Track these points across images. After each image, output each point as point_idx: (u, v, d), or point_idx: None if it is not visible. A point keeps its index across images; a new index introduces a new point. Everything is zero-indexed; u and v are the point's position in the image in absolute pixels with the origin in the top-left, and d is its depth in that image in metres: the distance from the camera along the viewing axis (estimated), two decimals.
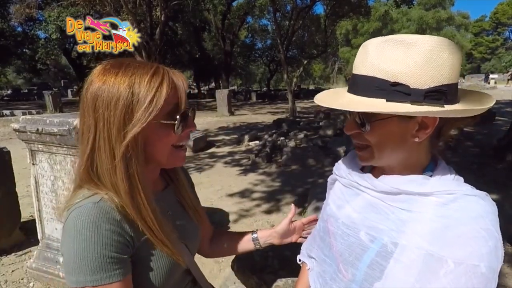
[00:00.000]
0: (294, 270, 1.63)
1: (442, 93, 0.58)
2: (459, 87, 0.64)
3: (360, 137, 0.68)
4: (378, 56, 0.60)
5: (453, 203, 0.60)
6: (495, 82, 31.99)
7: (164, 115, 0.70)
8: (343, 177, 0.78)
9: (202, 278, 0.94)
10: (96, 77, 0.70)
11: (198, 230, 0.95)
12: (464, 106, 0.61)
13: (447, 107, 0.59)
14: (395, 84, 0.58)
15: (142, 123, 0.67)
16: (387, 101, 0.59)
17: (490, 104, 0.62)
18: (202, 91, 30.22)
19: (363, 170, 0.78)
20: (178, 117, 0.71)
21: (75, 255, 0.65)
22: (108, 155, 0.68)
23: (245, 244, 1.09)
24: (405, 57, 0.58)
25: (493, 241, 0.56)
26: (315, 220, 1.08)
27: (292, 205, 1.06)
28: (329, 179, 0.90)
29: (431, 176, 0.66)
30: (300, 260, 0.98)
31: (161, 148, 0.74)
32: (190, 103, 0.78)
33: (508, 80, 30.78)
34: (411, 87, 0.58)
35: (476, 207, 0.59)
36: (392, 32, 35.17)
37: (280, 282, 1.57)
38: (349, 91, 0.66)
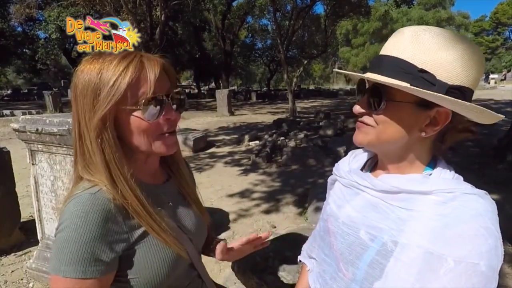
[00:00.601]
0: (295, 270, 1.63)
1: (463, 94, 0.59)
2: None
3: (368, 118, 0.67)
4: (413, 41, 0.61)
5: (452, 202, 0.60)
6: (495, 82, 32.05)
7: (133, 101, 0.69)
8: (342, 177, 0.78)
9: (205, 275, 0.93)
10: (77, 70, 0.72)
11: (203, 223, 0.93)
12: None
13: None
14: (422, 71, 0.59)
15: (105, 107, 0.67)
16: (411, 85, 0.59)
17: (499, 117, 0.62)
18: (202, 91, 30.20)
19: (363, 169, 0.78)
20: (142, 102, 0.69)
21: (60, 241, 0.66)
22: (88, 142, 0.70)
23: (208, 251, 1.07)
24: (439, 48, 0.59)
25: (493, 240, 0.56)
26: (265, 240, 1.08)
27: (245, 238, 1.03)
28: (329, 180, 0.90)
29: (430, 174, 0.66)
30: (300, 261, 0.98)
31: (139, 136, 0.72)
32: (179, 92, 0.77)
33: (502, 80, 30.96)
34: (437, 78, 0.59)
35: (475, 205, 0.59)
36: (392, 32, 35.12)
37: (280, 283, 1.57)
38: (371, 71, 0.66)
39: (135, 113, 0.70)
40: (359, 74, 0.67)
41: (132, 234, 0.72)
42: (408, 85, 0.59)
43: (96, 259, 0.66)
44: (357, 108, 0.69)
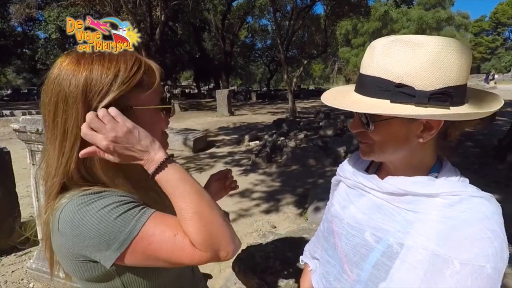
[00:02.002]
0: (295, 271, 1.62)
1: (448, 95, 0.58)
2: None
3: (364, 135, 0.68)
4: (384, 57, 0.60)
5: (459, 204, 0.59)
6: (495, 82, 32.13)
7: (157, 101, 0.72)
8: (347, 178, 0.78)
9: (196, 267, 0.94)
10: (75, 66, 0.65)
11: None
12: (470, 109, 0.60)
13: (453, 110, 0.58)
14: (400, 85, 0.58)
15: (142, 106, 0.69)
16: (391, 102, 0.59)
17: (498, 106, 0.61)
18: (202, 91, 30.19)
19: (368, 171, 0.78)
20: (171, 101, 0.75)
21: (98, 228, 0.60)
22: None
23: None
24: (411, 58, 0.58)
25: (499, 242, 0.56)
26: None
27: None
28: (333, 180, 0.90)
29: (436, 177, 0.66)
30: (302, 261, 0.97)
31: (156, 134, 0.73)
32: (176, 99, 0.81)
33: (491, 80, 31.09)
34: (416, 88, 0.58)
35: (482, 208, 0.58)
36: (392, 32, 35.19)
37: (281, 283, 1.57)
38: (356, 90, 0.67)
39: (159, 113, 0.74)
40: (340, 104, 0.65)
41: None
42: (388, 102, 0.59)
43: (137, 205, 0.65)
44: (352, 128, 0.70)
